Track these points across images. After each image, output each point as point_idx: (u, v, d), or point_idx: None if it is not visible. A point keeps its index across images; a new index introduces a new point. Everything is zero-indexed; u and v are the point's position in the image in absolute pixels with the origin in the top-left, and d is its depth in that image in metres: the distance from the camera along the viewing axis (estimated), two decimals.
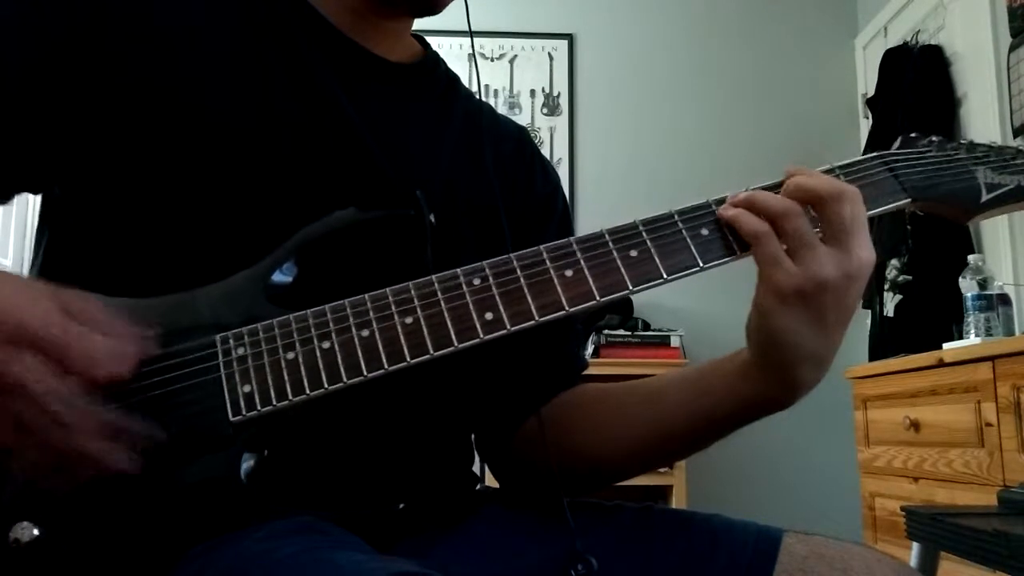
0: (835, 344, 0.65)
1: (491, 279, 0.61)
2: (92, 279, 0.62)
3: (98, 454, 0.52)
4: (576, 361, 0.85)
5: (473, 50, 0.85)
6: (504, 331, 0.60)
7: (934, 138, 0.72)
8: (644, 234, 0.63)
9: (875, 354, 2.76)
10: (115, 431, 0.53)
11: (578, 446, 0.77)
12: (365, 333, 0.59)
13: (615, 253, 0.62)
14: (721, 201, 0.65)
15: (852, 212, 0.62)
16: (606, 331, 2.86)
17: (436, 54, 0.86)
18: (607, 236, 0.63)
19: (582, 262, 0.62)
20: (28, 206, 2.69)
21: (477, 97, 0.89)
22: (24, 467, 0.52)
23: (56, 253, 0.71)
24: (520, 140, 0.89)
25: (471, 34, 0.83)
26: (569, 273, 0.62)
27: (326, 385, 0.58)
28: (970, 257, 2.30)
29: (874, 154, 0.70)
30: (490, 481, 0.88)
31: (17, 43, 0.64)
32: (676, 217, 0.64)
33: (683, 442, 0.74)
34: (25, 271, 0.75)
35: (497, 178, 0.80)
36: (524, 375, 0.80)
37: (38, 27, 0.65)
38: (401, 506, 0.69)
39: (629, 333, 2.89)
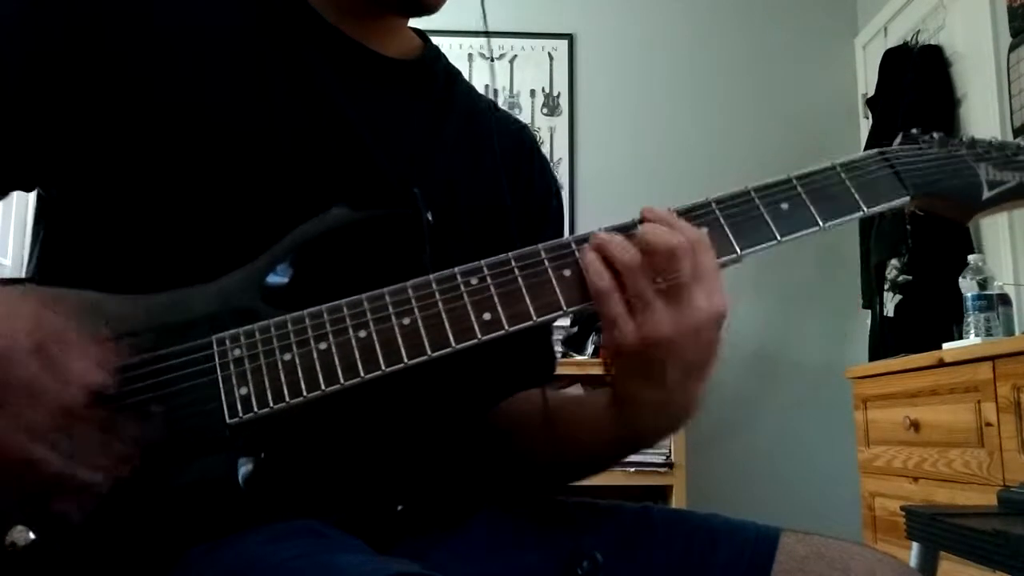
0: (682, 394, 0.63)
1: (489, 279, 0.61)
2: (88, 277, 0.62)
3: (67, 479, 0.53)
4: (545, 361, 0.85)
5: (490, 50, 0.85)
6: (502, 332, 0.59)
7: (935, 135, 0.72)
8: None
9: (875, 354, 2.75)
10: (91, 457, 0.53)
11: (519, 449, 0.78)
12: (362, 334, 0.59)
13: None
14: (722, 200, 0.65)
15: (690, 265, 0.60)
16: None
17: (436, 49, 0.85)
18: None
19: (581, 262, 0.62)
20: (28, 206, 2.69)
21: (479, 93, 0.89)
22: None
23: (52, 251, 0.71)
24: (520, 137, 0.89)
25: (487, 34, 0.83)
26: (567, 273, 0.61)
27: (323, 387, 0.57)
28: (970, 257, 2.29)
29: (875, 151, 0.70)
30: None
31: (16, 42, 0.64)
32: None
33: (580, 462, 0.76)
34: (24, 271, 0.75)
35: (496, 175, 0.79)
36: (499, 368, 0.79)
37: (37, 26, 0.65)
38: (400, 508, 0.69)
39: None
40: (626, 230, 0.63)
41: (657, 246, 0.60)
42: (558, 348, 2.76)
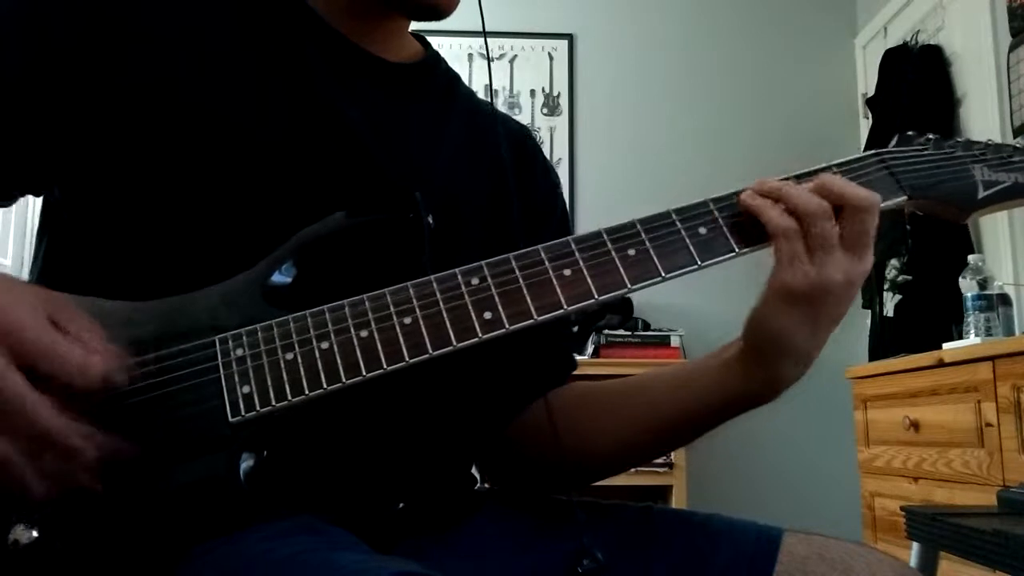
0: (822, 344, 0.66)
1: (489, 279, 0.61)
2: (92, 282, 0.62)
3: (62, 468, 0.53)
4: (566, 360, 0.86)
5: (487, 50, 0.85)
6: (503, 331, 0.60)
7: (931, 136, 0.72)
8: (642, 233, 0.63)
9: (875, 354, 2.76)
10: (77, 445, 0.53)
11: (565, 444, 0.77)
12: (364, 334, 0.59)
13: (613, 253, 0.62)
14: (721, 200, 0.65)
15: (875, 223, 0.64)
16: (606, 331, 2.86)
17: (436, 53, 0.86)
18: (605, 236, 0.63)
19: (580, 262, 0.62)
20: (28, 207, 2.69)
21: (479, 96, 0.89)
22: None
23: (56, 256, 0.71)
24: (521, 140, 0.89)
25: (484, 35, 0.83)
26: (567, 273, 0.62)
27: (325, 385, 0.58)
28: (970, 257, 2.29)
29: (871, 152, 0.70)
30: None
31: (16, 44, 0.64)
32: (674, 216, 0.64)
33: (666, 434, 0.75)
34: (25, 271, 0.75)
35: (498, 178, 0.80)
36: (515, 372, 0.80)
37: (38, 28, 0.65)
38: (400, 506, 0.70)
39: (629, 333, 2.89)
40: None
41: (857, 197, 0.63)
42: None
